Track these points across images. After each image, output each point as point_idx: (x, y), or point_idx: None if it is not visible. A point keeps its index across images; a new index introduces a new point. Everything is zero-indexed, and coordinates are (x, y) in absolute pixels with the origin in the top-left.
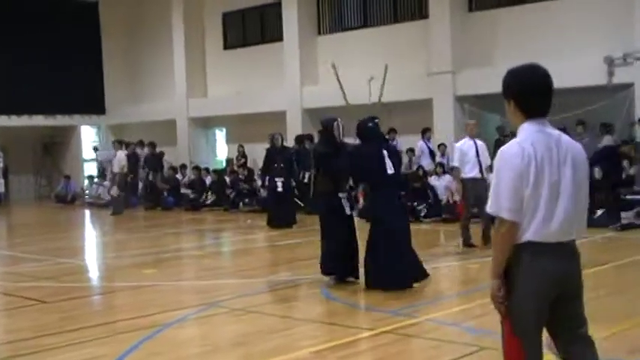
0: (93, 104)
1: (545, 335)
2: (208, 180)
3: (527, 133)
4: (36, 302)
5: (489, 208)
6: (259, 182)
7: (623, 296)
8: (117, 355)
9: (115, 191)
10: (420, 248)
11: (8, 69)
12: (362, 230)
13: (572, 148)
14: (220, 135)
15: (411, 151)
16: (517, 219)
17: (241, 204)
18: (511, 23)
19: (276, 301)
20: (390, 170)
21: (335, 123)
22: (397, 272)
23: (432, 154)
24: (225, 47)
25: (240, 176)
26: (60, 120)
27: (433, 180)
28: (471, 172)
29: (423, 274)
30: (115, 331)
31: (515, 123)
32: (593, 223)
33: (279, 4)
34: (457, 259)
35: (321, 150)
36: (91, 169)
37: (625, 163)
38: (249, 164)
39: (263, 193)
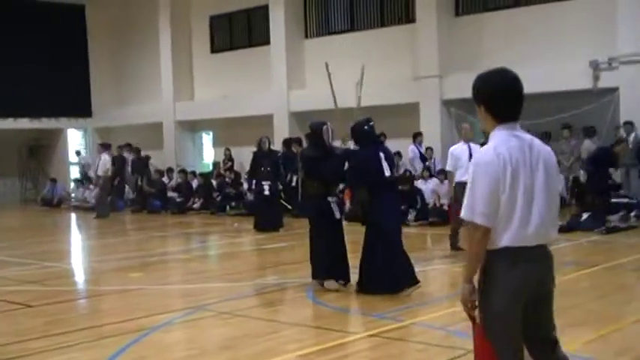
0: (79, 107)
1: None
2: (195, 183)
3: (501, 138)
4: (21, 306)
5: (463, 214)
6: (246, 186)
7: (610, 299)
8: (103, 359)
9: (96, 193)
10: (407, 251)
11: None
12: (351, 233)
13: (544, 152)
14: (207, 138)
15: (398, 154)
16: (490, 224)
17: (228, 207)
18: (497, 28)
19: (263, 304)
20: (387, 172)
21: (324, 127)
22: (394, 275)
23: (423, 158)
24: (213, 50)
25: (227, 180)
26: (46, 123)
27: (420, 184)
28: (462, 176)
29: (413, 280)
30: (101, 335)
31: (486, 128)
32: (579, 226)
33: (266, 8)
34: (444, 263)
35: (310, 154)
36: (77, 172)
37: (611, 169)
38: (235, 168)
39: (250, 196)
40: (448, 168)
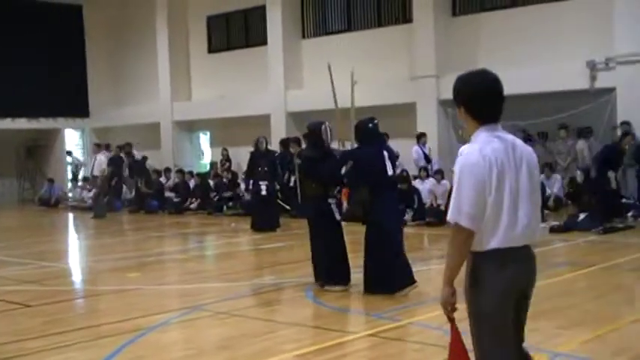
0: (77, 107)
1: None
2: (192, 183)
3: (485, 139)
4: (19, 306)
5: (449, 216)
6: (243, 186)
7: (607, 299)
8: (101, 359)
9: (93, 193)
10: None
11: None
12: (351, 234)
13: (526, 152)
14: (204, 138)
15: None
16: (475, 228)
17: (225, 207)
18: (495, 28)
19: (260, 304)
20: (390, 171)
21: (323, 126)
22: (394, 275)
23: (427, 159)
24: (210, 51)
25: (224, 180)
26: (43, 123)
27: (417, 184)
28: None
29: (410, 280)
30: (98, 334)
31: (467, 129)
32: (576, 226)
33: (263, 8)
34: (441, 263)
35: (309, 154)
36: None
37: (610, 173)
38: (233, 168)
39: (247, 196)
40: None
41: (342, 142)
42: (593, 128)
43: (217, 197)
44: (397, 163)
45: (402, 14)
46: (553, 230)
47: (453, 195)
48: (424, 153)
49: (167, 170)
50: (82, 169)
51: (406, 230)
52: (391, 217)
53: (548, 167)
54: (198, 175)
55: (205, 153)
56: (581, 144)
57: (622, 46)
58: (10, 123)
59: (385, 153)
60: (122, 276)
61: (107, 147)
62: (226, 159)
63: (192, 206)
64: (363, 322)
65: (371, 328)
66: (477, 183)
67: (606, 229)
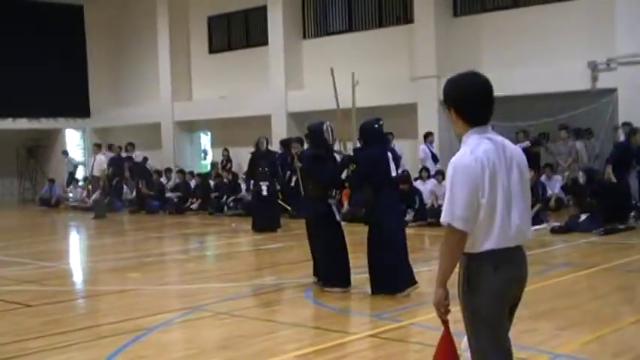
0: (77, 107)
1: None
2: (193, 184)
3: (476, 141)
4: (19, 306)
5: (443, 217)
6: (244, 186)
7: (608, 300)
8: (101, 359)
9: (97, 195)
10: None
11: None
12: (351, 234)
13: (516, 153)
14: (205, 139)
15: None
16: (468, 229)
17: (226, 208)
18: (496, 28)
19: (261, 304)
20: (394, 173)
21: (324, 126)
22: (396, 275)
23: (435, 158)
24: (211, 51)
25: (225, 180)
26: (44, 123)
27: (418, 184)
28: None
29: (411, 281)
30: (99, 335)
31: (458, 131)
32: (577, 227)
33: (264, 8)
34: None
35: (313, 152)
36: (79, 172)
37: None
38: (234, 168)
39: (247, 196)
40: None
41: (344, 143)
42: (594, 129)
43: (217, 197)
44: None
45: (403, 14)
46: (554, 231)
47: (446, 197)
48: (432, 152)
49: (168, 170)
50: (81, 168)
51: (407, 231)
52: (392, 218)
53: (549, 168)
54: (199, 175)
55: (209, 153)
56: (578, 145)
57: (623, 47)
58: (11, 123)
59: (389, 154)
60: (123, 276)
61: (110, 147)
62: (227, 159)
63: (192, 206)
64: (363, 323)
65: (372, 328)
66: (470, 185)
67: (607, 230)
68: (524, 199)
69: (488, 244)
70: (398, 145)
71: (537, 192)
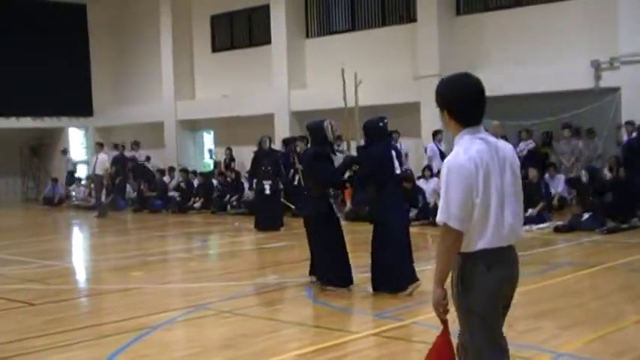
0: (80, 106)
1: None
2: (196, 182)
3: (470, 141)
4: (22, 304)
5: (438, 218)
6: (247, 185)
7: (610, 299)
8: (104, 357)
9: (104, 195)
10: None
11: None
12: (351, 233)
13: (508, 152)
14: (208, 138)
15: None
16: (464, 229)
17: (228, 207)
18: (498, 27)
19: (263, 303)
20: (398, 170)
21: (325, 123)
22: (399, 273)
23: (443, 156)
24: (214, 50)
25: (228, 179)
26: (47, 122)
27: (421, 183)
28: None
29: (412, 279)
30: (101, 333)
31: (451, 132)
32: (579, 226)
33: (267, 7)
34: None
35: (316, 150)
36: (80, 171)
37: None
38: (237, 167)
39: (250, 195)
40: None
41: (348, 142)
42: (597, 128)
43: (220, 195)
44: (403, 161)
45: (406, 13)
46: (557, 230)
47: (442, 197)
48: (440, 150)
49: (171, 169)
50: (82, 167)
51: (410, 229)
52: (396, 216)
53: (552, 167)
54: (202, 174)
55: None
56: (579, 144)
57: (626, 46)
58: (15, 122)
59: (393, 152)
60: (125, 275)
61: (116, 146)
62: (230, 158)
63: (195, 205)
64: (365, 322)
65: (374, 327)
66: (465, 184)
67: (610, 229)
68: (516, 198)
69: (482, 244)
70: (404, 144)
71: (541, 191)
